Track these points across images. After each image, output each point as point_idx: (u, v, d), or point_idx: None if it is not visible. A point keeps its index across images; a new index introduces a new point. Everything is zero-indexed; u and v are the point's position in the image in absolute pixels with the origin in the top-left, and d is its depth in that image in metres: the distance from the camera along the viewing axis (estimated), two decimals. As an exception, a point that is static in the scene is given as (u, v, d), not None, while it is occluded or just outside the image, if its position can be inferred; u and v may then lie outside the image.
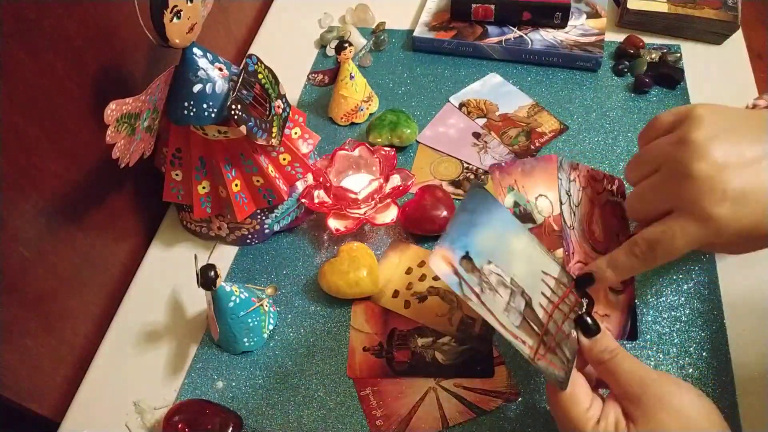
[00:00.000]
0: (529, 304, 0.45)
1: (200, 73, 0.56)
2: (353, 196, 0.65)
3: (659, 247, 0.43)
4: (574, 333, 0.46)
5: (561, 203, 0.50)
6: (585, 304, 0.48)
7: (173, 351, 0.62)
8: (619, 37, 0.85)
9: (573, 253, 0.50)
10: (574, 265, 0.50)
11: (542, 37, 0.84)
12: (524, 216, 0.51)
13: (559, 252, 0.49)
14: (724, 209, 0.41)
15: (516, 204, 0.51)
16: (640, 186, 0.46)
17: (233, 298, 0.57)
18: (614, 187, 0.54)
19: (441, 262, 0.43)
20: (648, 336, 0.58)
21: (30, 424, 0.59)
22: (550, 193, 0.51)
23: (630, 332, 0.53)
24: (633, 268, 0.46)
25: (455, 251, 0.43)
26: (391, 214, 0.67)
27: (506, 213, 0.48)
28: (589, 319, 0.46)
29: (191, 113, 0.57)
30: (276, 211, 0.68)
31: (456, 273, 0.43)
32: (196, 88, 0.56)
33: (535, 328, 0.45)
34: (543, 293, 0.46)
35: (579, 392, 0.44)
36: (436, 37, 0.86)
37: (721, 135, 0.41)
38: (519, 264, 0.46)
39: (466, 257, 0.44)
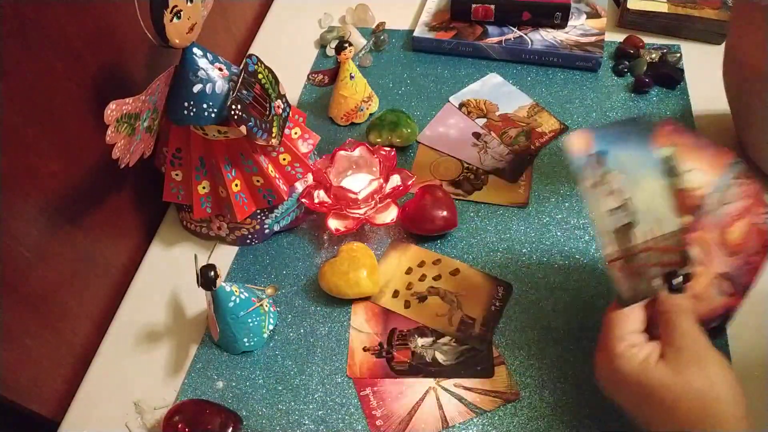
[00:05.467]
0: (633, 225, 0.47)
1: (200, 73, 0.56)
2: (353, 196, 0.65)
3: None
4: (660, 281, 0.48)
5: (712, 190, 0.51)
6: (682, 275, 0.49)
7: (173, 351, 0.62)
8: (619, 37, 0.85)
9: (698, 230, 0.50)
10: (691, 234, 0.50)
11: (542, 37, 0.84)
12: (670, 171, 0.51)
13: (687, 218, 0.50)
14: None
15: (668, 159, 0.51)
16: None
17: (233, 298, 0.57)
18: None
19: (580, 140, 0.46)
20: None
21: (30, 424, 0.59)
22: (706, 173, 0.51)
23: (712, 329, 0.52)
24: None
25: (597, 142, 0.47)
26: (391, 214, 0.67)
27: (655, 156, 0.49)
28: (679, 279, 0.48)
29: (191, 113, 0.57)
30: (276, 211, 0.68)
31: (586, 156, 0.46)
32: (196, 88, 0.56)
33: (628, 243, 0.47)
34: (652, 229, 0.48)
35: (632, 316, 0.47)
36: (436, 37, 0.86)
37: None
38: (642, 195, 0.48)
39: (602, 153, 0.47)
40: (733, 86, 0.68)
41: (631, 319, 0.47)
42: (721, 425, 0.41)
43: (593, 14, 0.87)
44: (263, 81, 0.58)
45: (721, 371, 0.43)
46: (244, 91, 0.56)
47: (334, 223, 0.66)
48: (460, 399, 0.56)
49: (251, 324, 0.59)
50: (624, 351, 0.45)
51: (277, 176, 0.65)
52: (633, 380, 0.44)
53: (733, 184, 0.52)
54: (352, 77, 0.77)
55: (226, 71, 0.58)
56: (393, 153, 0.70)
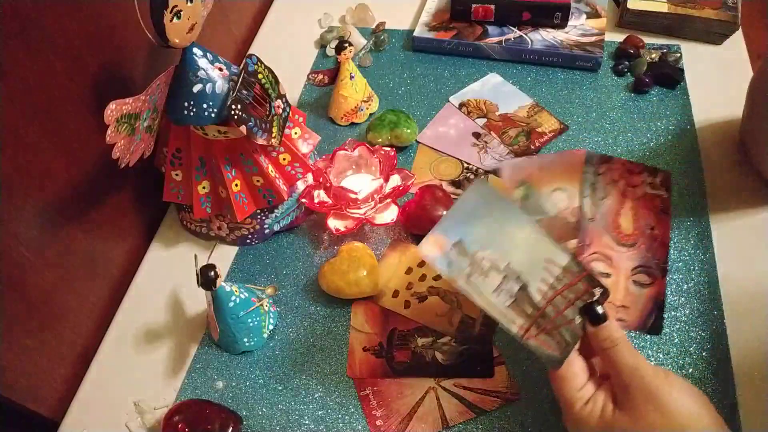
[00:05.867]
0: (524, 288, 0.47)
1: (200, 73, 0.56)
2: (353, 196, 0.65)
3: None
4: (579, 319, 0.47)
5: (582, 196, 0.50)
6: (598, 293, 0.48)
7: (173, 351, 0.62)
8: (619, 37, 0.85)
9: (589, 245, 0.50)
10: (588, 256, 0.50)
11: (542, 37, 0.84)
12: (534, 208, 0.51)
13: (573, 242, 0.50)
14: None
15: (526, 197, 0.51)
16: None
17: (233, 298, 0.57)
18: (657, 180, 0.53)
19: (431, 247, 0.46)
20: (648, 336, 0.58)
21: (30, 424, 0.59)
22: (568, 186, 0.51)
23: (653, 326, 0.52)
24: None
25: (448, 237, 0.47)
26: (391, 214, 0.67)
27: (509, 205, 0.49)
28: (596, 308, 0.47)
29: (191, 113, 0.57)
30: (276, 211, 0.68)
31: (445, 256, 0.46)
32: (196, 88, 0.56)
33: (528, 310, 0.47)
34: (544, 279, 0.48)
35: (573, 372, 0.46)
36: (436, 37, 0.86)
37: None
38: (518, 252, 0.48)
39: (459, 243, 0.47)
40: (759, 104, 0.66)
41: (571, 377, 0.46)
42: None
43: (593, 14, 0.87)
44: (263, 81, 0.58)
45: (676, 395, 0.43)
46: (244, 91, 0.56)
47: (334, 223, 0.66)
48: (460, 399, 0.56)
49: (251, 324, 0.59)
50: (579, 413, 0.45)
51: (277, 176, 0.65)
52: None
53: (598, 177, 0.52)
54: (352, 77, 0.77)
55: (226, 71, 0.58)
56: (393, 153, 0.70)
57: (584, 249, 0.50)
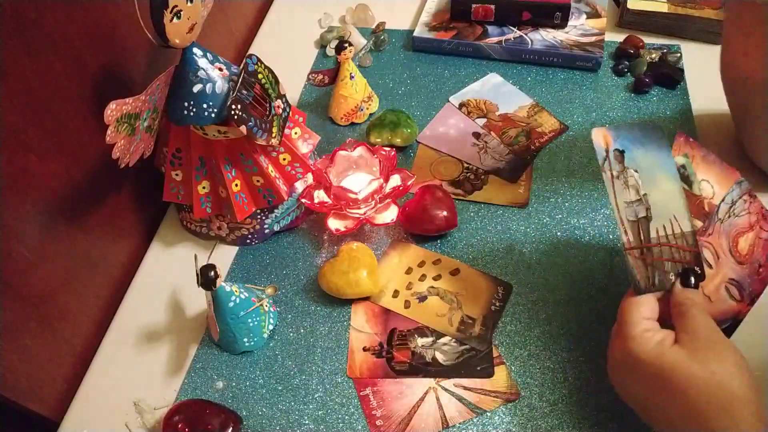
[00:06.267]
0: (647, 219, 0.50)
1: (200, 73, 0.56)
2: (353, 196, 0.65)
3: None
4: (673, 276, 0.50)
5: (722, 201, 0.53)
6: (697, 270, 0.50)
7: (173, 351, 0.62)
8: (619, 37, 0.85)
9: (709, 234, 0.53)
10: (704, 240, 0.53)
11: (542, 37, 0.84)
12: (684, 178, 0.54)
13: (698, 223, 0.52)
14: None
15: (683, 166, 0.54)
16: None
17: (233, 298, 0.57)
18: None
19: (602, 137, 0.50)
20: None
21: (30, 424, 0.59)
22: (716, 186, 0.54)
23: (723, 330, 0.54)
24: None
25: (616, 141, 0.50)
26: (391, 214, 0.67)
27: (672, 160, 0.52)
28: (692, 277, 0.49)
29: (191, 113, 0.57)
30: (276, 211, 0.68)
31: (606, 151, 0.50)
32: (196, 88, 0.56)
33: (641, 235, 0.50)
34: (664, 227, 0.50)
35: (647, 304, 0.48)
36: (436, 37, 0.86)
37: None
38: (658, 193, 0.51)
39: (622, 151, 0.50)
40: (732, 91, 0.69)
41: (646, 306, 0.48)
42: (733, 412, 0.41)
43: (593, 14, 0.87)
44: (263, 81, 0.58)
45: (735, 357, 0.43)
46: (244, 91, 0.56)
47: (334, 223, 0.66)
48: (460, 399, 0.56)
49: (251, 324, 0.59)
50: (639, 334, 0.46)
51: (277, 176, 0.65)
52: (647, 362, 0.44)
53: (740, 199, 0.55)
54: (352, 77, 0.77)
55: (226, 71, 0.58)
56: (393, 153, 0.70)
57: (704, 234, 0.53)
